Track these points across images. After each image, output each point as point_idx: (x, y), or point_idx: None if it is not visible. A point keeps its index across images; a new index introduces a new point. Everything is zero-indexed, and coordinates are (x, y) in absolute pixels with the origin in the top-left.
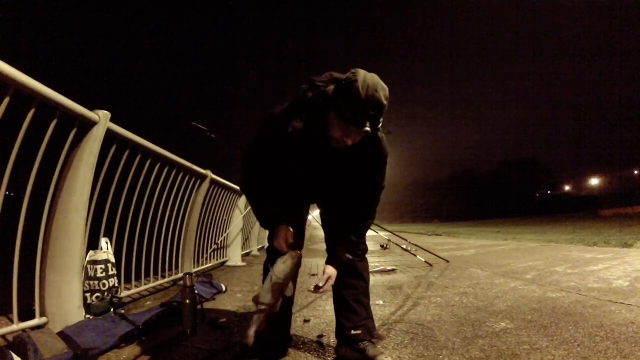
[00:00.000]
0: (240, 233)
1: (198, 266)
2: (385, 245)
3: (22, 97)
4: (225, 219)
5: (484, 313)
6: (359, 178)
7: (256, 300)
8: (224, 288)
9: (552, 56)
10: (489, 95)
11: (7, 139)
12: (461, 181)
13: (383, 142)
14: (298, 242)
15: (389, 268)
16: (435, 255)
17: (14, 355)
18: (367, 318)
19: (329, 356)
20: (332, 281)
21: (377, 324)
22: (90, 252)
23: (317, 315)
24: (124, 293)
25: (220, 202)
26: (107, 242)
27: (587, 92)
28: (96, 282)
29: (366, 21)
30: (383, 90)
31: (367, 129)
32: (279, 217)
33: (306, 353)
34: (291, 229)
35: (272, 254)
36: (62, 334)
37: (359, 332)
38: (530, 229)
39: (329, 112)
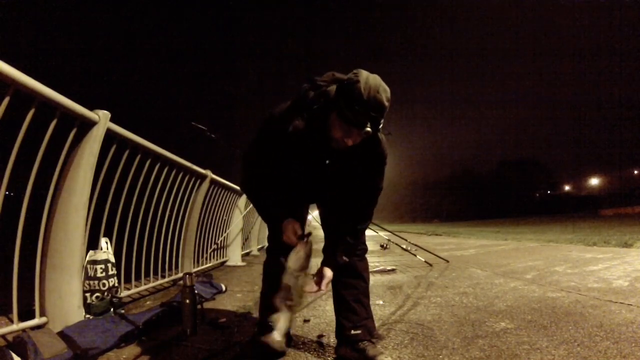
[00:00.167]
0: (240, 233)
1: (198, 266)
2: (385, 245)
3: (22, 97)
4: (225, 219)
5: (484, 313)
6: (359, 179)
7: (282, 298)
8: (224, 288)
9: (552, 56)
10: (489, 95)
11: (7, 139)
12: (461, 181)
13: (383, 144)
14: (304, 224)
15: (389, 268)
16: (435, 255)
17: (14, 355)
18: (367, 318)
19: (329, 356)
20: (328, 282)
21: (377, 324)
22: (90, 252)
23: (317, 315)
24: (124, 293)
25: (220, 202)
26: (107, 242)
27: (587, 92)
28: (96, 282)
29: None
30: (385, 92)
31: (368, 129)
32: (280, 215)
33: (306, 353)
34: (297, 222)
35: (271, 254)
36: (62, 334)
37: (359, 332)
38: (530, 229)
39: (331, 113)
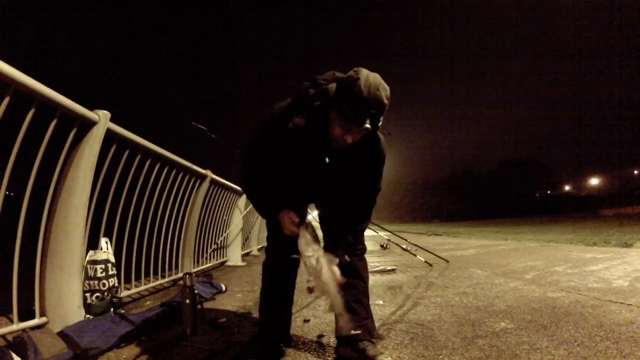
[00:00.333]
0: (240, 233)
1: (198, 266)
2: (385, 245)
3: (22, 97)
4: (225, 219)
5: (484, 313)
6: (359, 178)
7: (317, 286)
8: (224, 288)
9: (552, 56)
10: (489, 95)
11: (7, 139)
12: (461, 181)
13: (382, 144)
14: (303, 219)
15: (389, 268)
16: (435, 255)
17: (14, 355)
18: (367, 318)
19: (329, 356)
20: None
21: (377, 324)
22: (90, 252)
23: (317, 315)
24: (124, 293)
25: (220, 202)
26: (107, 242)
27: (587, 92)
28: (96, 282)
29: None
30: (385, 90)
31: (367, 126)
32: (278, 212)
33: (306, 353)
34: (291, 211)
35: (271, 255)
36: (62, 334)
37: (359, 332)
38: (530, 229)
39: (331, 111)
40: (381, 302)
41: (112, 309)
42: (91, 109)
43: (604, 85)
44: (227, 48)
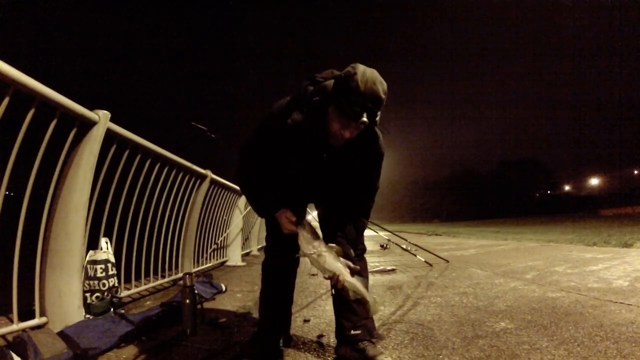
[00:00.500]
0: (240, 233)
1: (198, 266)
2: (385, 245)
3: (22, 97)
4: (225, 219)
5: (484, 313)
6: (358, 176)
7: (332, 281)
8: (224, 288)
9: (552, 56)
10: (489, 95)
11: (7, 139)
12: (461, 181)
13: (380, 140)
14: (301, 217)
15: (389, 268)
16: (435, 255)
17: (14, 355)
18: (367, 318)
19: (329, 356)
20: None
21: (377, 324)
22: (90, 252)
23: (317, 315)
24: (124, 293)
25: (220, 202)
26: (107, 242)
27: (587, 92)
28: (96, 282)
29: (366, 21)
30: (381, 84)
31: (365, 119)
32: (276, 210)
33: (306, 353)
34: (288, 210)
35: (271, 254)
36: (62, 334)
37: (358, 332)
38: (530, 229)
39: (329, 106)
40: None
41: (112, 309)
42: (91, 109)
43: (604, 85)
44: (227, 48)
